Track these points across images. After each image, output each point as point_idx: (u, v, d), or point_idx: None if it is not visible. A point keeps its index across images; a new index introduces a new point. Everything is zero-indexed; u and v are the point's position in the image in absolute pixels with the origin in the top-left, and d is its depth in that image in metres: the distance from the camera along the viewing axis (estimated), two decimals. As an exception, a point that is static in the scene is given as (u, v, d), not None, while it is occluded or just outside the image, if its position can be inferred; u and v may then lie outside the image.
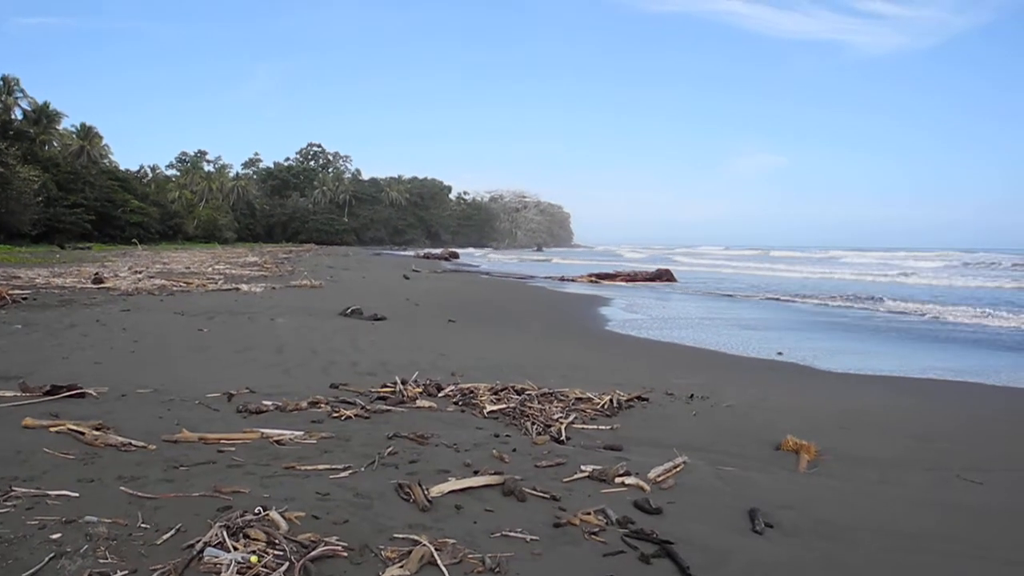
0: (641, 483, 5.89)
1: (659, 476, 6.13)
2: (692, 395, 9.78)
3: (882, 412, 9.65)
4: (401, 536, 4.55)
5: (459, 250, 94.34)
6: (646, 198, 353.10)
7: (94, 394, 8.11)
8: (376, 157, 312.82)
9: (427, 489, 5.31)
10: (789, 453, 7.33)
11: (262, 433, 6.73)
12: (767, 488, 6.23)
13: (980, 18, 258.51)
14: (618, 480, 5.93)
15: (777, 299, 30.42)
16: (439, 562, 4.20)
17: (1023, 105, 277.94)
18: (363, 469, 5.88)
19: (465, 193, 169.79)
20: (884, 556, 5.00)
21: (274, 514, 4.60)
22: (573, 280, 40.19)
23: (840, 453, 7.46)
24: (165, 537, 4.32)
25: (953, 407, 10.25)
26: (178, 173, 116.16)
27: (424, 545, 4.35)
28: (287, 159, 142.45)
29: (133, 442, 6.22)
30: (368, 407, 8.03)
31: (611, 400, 8.82)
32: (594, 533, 4.90)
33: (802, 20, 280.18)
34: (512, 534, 4.76)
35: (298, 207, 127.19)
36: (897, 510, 5.96)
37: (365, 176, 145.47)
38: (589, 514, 5.16)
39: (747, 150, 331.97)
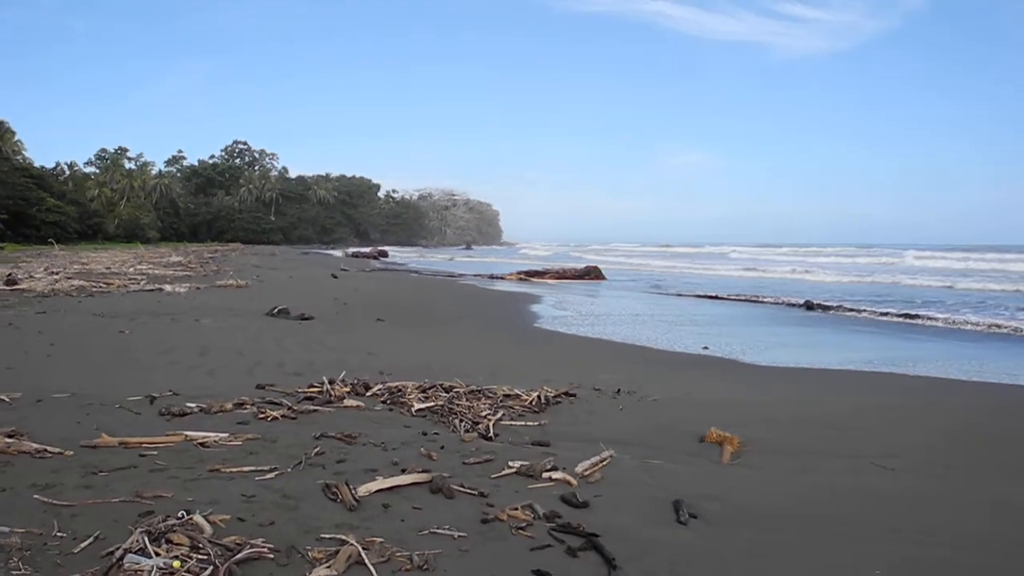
0: (568, 478, 5.96)
1: (586, 470, 6.20)
2: (619, 390, 9.91)
3: (802, 403, 9.91)
4: (328, 536, 4.53)
5: (388, 248, 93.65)
6: (577, 196, 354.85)
7: (6, 400, 7.86)
8: (304, 155, 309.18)
9: (354, 488, 5.29)
10: (713, 445, 7.48)
11: (186, 436, 6.61)
12: (691, 479, 6.36)
13: (890, 24, 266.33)
14: (545, 475, 5.98)
15: (703, 295, 30.95)
16: (367, 561, 4.20)
17: (933, 105, 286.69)
18: (290, 470, 5.82)
19: (394, 191, 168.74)
20: (803, 542, 5.16)
21: (198, 518, 4.53)
22: (502, 278, 40.27)
23: (762, 444, 7.65)
24: (83, 545, 4.22)
25: (868, 397, 10.57)
26: (98, 171, 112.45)
27: (351, 544, 4.34)
28: (212, 157, 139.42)
29: (48, 448, 6.04)
30: (295, 407, 7.95)
31: (539, 396, 8.88)
32: (522, 528, 4.95)
33: (728, 21, 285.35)
34: (440, 531, 4.78)
35: (223, 206, 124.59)
36: (815, 497, 6.14)
37: (292, 174, 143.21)
38: (517, 509, 5.20)
39: (677, 149, 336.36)
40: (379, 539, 4.53)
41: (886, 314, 22.95)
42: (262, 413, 7.62)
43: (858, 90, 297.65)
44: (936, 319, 21.60)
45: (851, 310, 24.31)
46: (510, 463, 6.22)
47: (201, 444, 6.46)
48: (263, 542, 4.33)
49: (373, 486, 5.41)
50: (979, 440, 8.30)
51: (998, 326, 20.12)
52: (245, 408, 7.87)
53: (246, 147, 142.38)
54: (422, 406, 8.25)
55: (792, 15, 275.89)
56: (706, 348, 15.27)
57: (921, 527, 5.55)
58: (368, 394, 8.86)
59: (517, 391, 9.08)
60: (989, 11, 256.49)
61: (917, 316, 22.22)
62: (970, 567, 4.91)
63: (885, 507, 5.97)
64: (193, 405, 7.85)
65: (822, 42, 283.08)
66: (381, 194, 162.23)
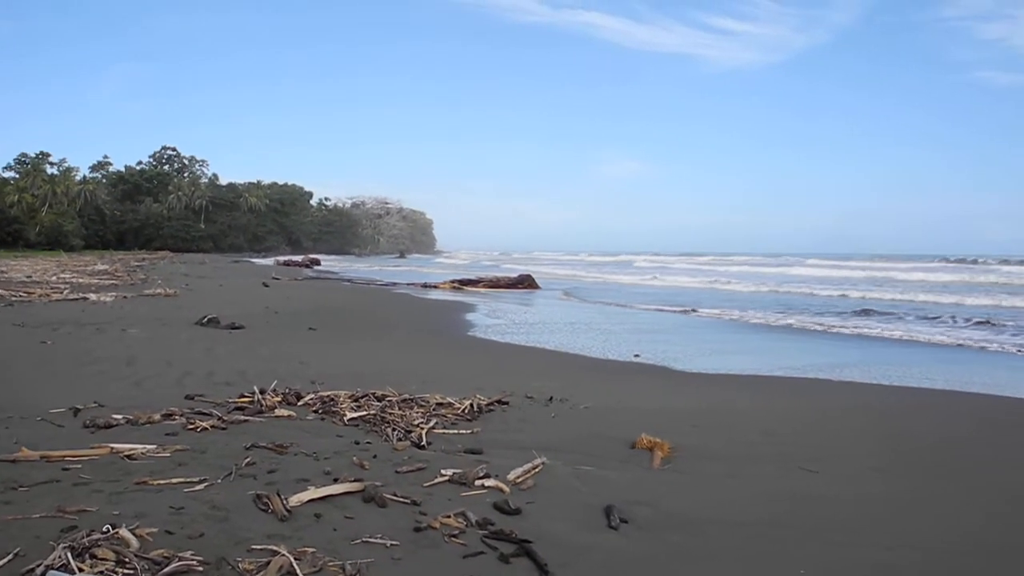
0: (501, 485, 6.00)
1: (518, 477, 6.25)
2: (551, 398, 9.99)
3: (731, 409, 10.11)
4: (259, 547, 4.48)
5: (321, 257, 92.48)
6: (512, 204, 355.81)
7: (-78, 414, 7.59)
8: (234, 162, 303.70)
9: (286, 499, 5.25)
10: (644, 451, 7.59)
11: (111, 448, 6.46)
12: (622, 485, 6.45)
13: (818, 39, 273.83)
14: (478, 483, 6.01)
15: (634, 305, 31.34)
16: (298, 571, 4.17)
17: (861, 116, 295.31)
18: (220, 481, 5.73)
19: (327, 199, 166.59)
20: (730, 545, 5.28)
21: (124, 531, 4.44)
22: (436, 287, 40.20)
23: (692, 450, 7.78)
24: (2, 563, 4.10)
25: (795, 403, 10.83)
26: (17, 175, 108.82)
27: (283, 555, 4.30)
28: (140, 163, 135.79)
29: (-34, 463, 5.86)
30: (225, 418, 7.83)
31: (472, 404, 8.91)
32: (454, 535, 4.97)
33: (659, 33, 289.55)
34: (373, 540, 4.77)
35: (151, 213, 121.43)
36: (743, 501, 6.28)
37: (223, 181, 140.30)
38: (449, 517, 5.22)
39: (611, 158, 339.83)
40: (311, 549, 4.50)
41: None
42: (191, 424, 7.50)
43: (788, 102, 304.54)
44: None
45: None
46: (443, 471, 6.23)
47: (128, 456, 6.32)
48: (192, 555, 4.27)
49: (305, 496, 5.37)
50: (899, 442, 8.56)
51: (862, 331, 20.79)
52: (174, 419, 7.73)
53: (175, 153, 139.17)
54: (354, 415, 8.21)
55: (721, 28, 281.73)
56: (637, 356, 15.47)
57: (845, 528, 5.73)
58: (300, 404, 8.77)
59: (450, 399, 9.09)
60: (913, 28, 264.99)
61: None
62: (891, 565, 5.08)
63: (810, 510, 6.14)
64: (119, 417, 7.67)
65: (752, 55, 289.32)
66: (314, 202, 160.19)
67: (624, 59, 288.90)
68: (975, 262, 73.04)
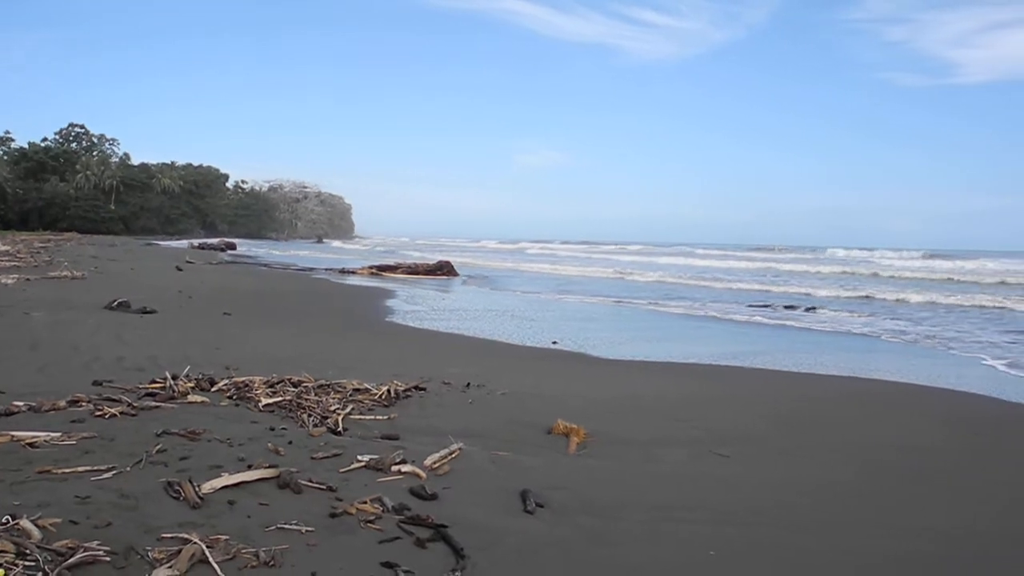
0: (417, 470, 6.00)
1: (435, 463, 6.26)
2: (469, 384, 10.02)
3: (646, 395, 10.29)
4: (170, 535, 4.39)
5: (237, 241, 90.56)
6: (432, 191, 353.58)
7: None
8: (147, 142, 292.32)
9: (198, 486, 5.15)
10: (560, 436, 7.68)
11: (12, 436, 6.23)
12: (538, 470, 6.52)
13: (736, 34, 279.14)
14: (395, 468, 6.01)
15: (555, 293, 31.61)
16: (211, 559, 4.10)
17: (774, 111, 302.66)
18: (129, 469, 5.58)
19: (243, 182, 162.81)
20: (643, 528, 5.40)
21: (25, 522, 4.29)
22: (354, 272, 39.81)
23: (607, 435, 7.90)
24: None
25: (708, 389, 11.08)
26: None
27: (195, 543, 4.22)
28: (44, 140, 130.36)
29: None
30: (135, 404, 7.62)
31: (389, 390, 8.87)
32: (370, 521, 4.96)
33: (580, 23, 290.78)
34: (288, 526, 4.72)
35: (58, 192, 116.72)
36: (656, 485, 6.42)
37: (135, 161, 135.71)
38: (366, 503, 5.20)
39: (531, 147, 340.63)
40: (224, 536, 4.44)
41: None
42: (99, 410, 7.26)
43: (706, 96, 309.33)
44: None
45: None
46: (359, 457, 6.21)
47: (29, 444, 6.09)
48: (98, 545, 4.15)
49: (218, 483, 5.28)
50: (810, 427, 8.85)
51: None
52: (80, 406, 7.47)
53: (83, 131, 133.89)
54: (270, 401, 8.09)
55: (642, 20, 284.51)
56: (555, 343, 15.61)
57: (753, 509, 5.91)
58: (214, 389, 8.60)
59: (367, 385, 9.03)
60: (823, 27, 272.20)
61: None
62: (793, 544, 5.27)
63: (720, 492, 6.32)
64: (21, 403, 7.37)
65: (671, 48, 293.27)
66: (230, 184, 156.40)
67: (545, 48, 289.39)
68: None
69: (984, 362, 14.94)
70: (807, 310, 24.62)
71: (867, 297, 30.46)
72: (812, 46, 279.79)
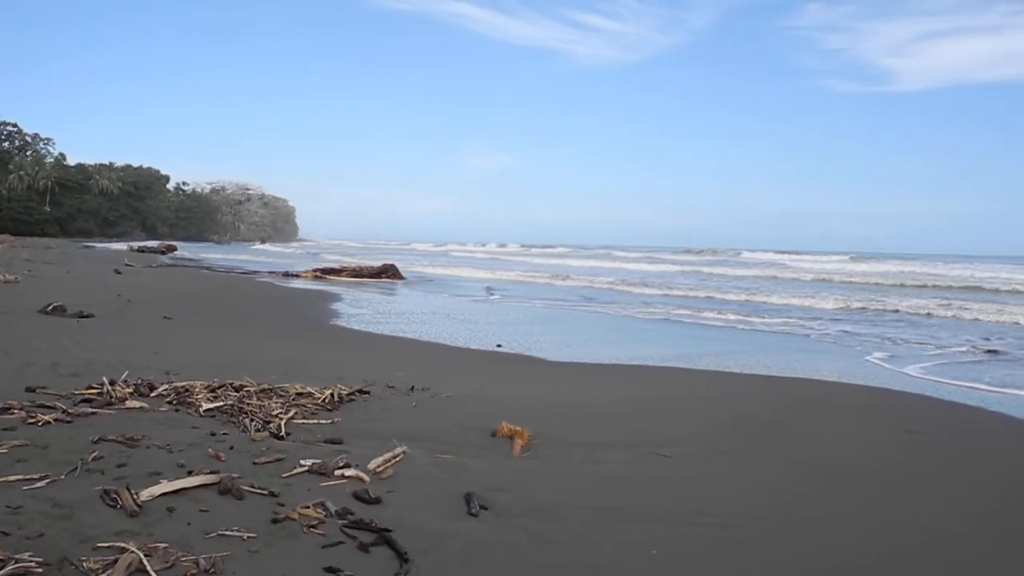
0: (361, 475, 5.98)
1: (379, 467, 6.24)
2: (413, 387, 9.99)
3: (591, 397, 10.37)
4: (107, 545, 4.31)
5: (178, 244, 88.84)
6: (378, 194, 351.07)
7: None
8: (84, 142, 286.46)
9: (136, 493, 5.06)
10: (504, 439, 7.69)
11: (-58, 444, 6.06)
12: (483, 473, 6.54)
13: (681, 40, 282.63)
14: (338, 473, 5.97)
15: (489, 297, 31.67)
16: (148, 568, 4.04)
17: (719, 115, 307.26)
18: (63, 477, 5.47)
19: (184, 184, 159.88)
20: (587, 529, 5.45)
21: (-44, 532, 4.19)
22: (297, 275, 39.40)
23: (551, 437, 7.94)
24: None
25: (651, 390, 11.20)
26: None
27: (132, 552, 4.15)
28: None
29: None
30: (70, 411, 7.44)
31: (332, 394, 8.81)
32: (313, 526, 4.93)
33: (527, 27, 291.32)
34: (229, 533, 4.68)
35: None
36: (599, 486, 6.48)
37: (71, 161, 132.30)
38: (308, 508, 5.17)
39: (480, 150, 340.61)
40: (163, 544, 4.37)
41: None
42: (32, 417, 7.08)
43: (652, 100, 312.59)
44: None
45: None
46: (302, 462, 6.16)
47: (-40, 453, 5.95)
48: (31, 556, 4.06)
49: (157, 490, 5.20)
50: (749, 427, 8.97)
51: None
52: (12, 413, 7.27)
53: (16, 130, 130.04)
54: (211, 406, 7.98)
55: (588, 24, 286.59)
56: (500, 346, 15.64)
57: (693, 508, 5.99)
58: (153, 395, 8.46)
59: (310, 389, 8.96)
60: (766, 34, 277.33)
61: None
62: (734, 543, 5.36)
63: (663, 492, 6.40)
64: (-50, 411, 7.19)
65: (617, 52, 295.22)
66: (170, 186, 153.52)
67: (492, 51, 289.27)
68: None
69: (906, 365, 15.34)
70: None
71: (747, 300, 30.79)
72: (755, 53, 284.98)
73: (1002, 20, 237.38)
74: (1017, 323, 22.33)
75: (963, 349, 17.41)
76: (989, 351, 17.18)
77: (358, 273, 40.52)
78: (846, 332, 20.45)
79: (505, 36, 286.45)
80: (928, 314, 24.91)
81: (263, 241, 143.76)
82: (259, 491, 5.46)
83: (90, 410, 7.59)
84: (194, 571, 4.13)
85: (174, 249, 73.29)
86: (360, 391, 9.32)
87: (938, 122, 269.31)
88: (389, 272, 40.60)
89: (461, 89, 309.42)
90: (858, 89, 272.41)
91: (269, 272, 41.92)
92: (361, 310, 22.92)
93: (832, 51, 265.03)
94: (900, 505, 6.48)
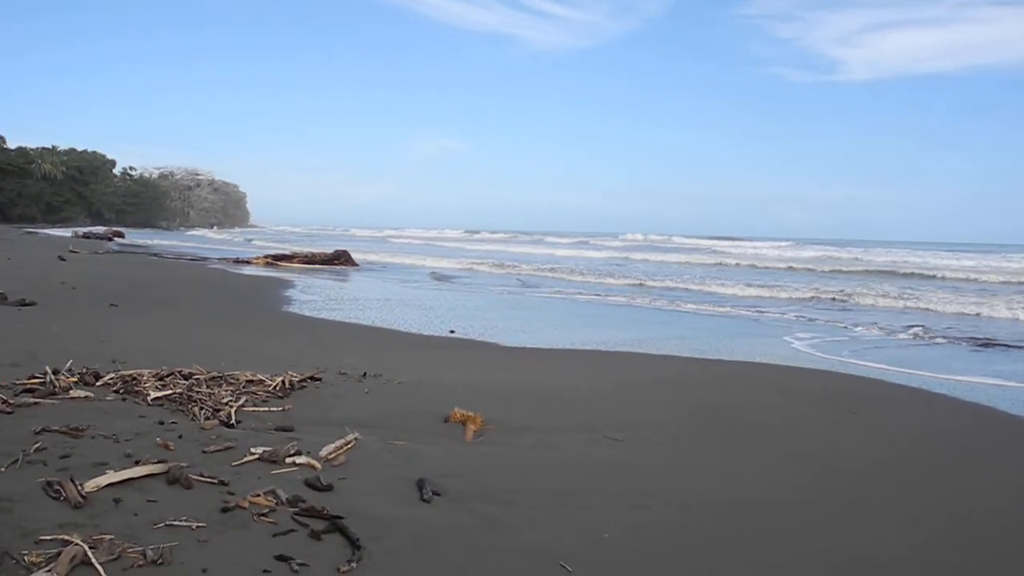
0: (312, 462, 5.94)
1: (330, 454, 6.21)
2: (365, 373, 9.94)
3: (544, 382, 10.40)
4: (49, 538, 4.22)
5: (126, 230, 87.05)
6: (329, 179, 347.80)
7: None
8: (25, 125, 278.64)
9: (81, 484, 4.97)
10: (457, 425, 7.70)
11: None
12: (435, 459, 6.53)
13: (632, 26, 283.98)
14: (289, 460, 5.93)
15: (441, 282, 31.63)
16: (94, 560, 3.97)
17: (671, 102, 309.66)
18: (4, 469, 5.34)
19: (132, 169, 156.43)
20: (538, 512, 5.48)
21: None
22: (249, 262, 38.89)
23: (504, 422, 7.95)
24: None
25: (604, 375, 11.27)
26: None
27: (77, 544, 4.08)
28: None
29: None
30: (11, 401, 7.26)
31: (284, 381, 8.72)
32: (264, 514, 4.88)
33: (480, 12, 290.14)
34: (177, 523, 4.61)
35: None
36: (552, 470, 6.52)
37: (12, 145, 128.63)
38: (259, 496, 5.12)
39: (427, 134, 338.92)
40: (109, 536, 4.29)
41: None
42: (-30, 409, 6.92)
43: (603, 87, 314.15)
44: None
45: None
46: (252, 449, 6.10)
47: None
48: (-30, 550, 3.98)
49: (103, 480, 5.11)
50: (701, 411, 9.08)
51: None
52: (-50, 405, 7.10)
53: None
54: (159, 394, 7.85)
55: (541, 10, 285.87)
56: (453, 331, 15.62)
57: (644, 491, 6.06)
58: (99, 384, 8.29)
59: (261, 376, 8.86)
60: (718, 22, 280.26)
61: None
62: (683, 524, 5.44)
63: (615, 476, 6.45)
64: None
65: (569, 38, 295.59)
66: (117, 171, 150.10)
67: (444, 36, 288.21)
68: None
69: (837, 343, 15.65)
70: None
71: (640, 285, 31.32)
72: (707, 40, 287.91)
73: (947, 13, 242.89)
74: (979, 314, 22.64)
75: (907, 336, 17.80)
76: (944, 338, 17.56)
77: (310, 260, 40.13)
78: (794, 317, 20.85)
79: (457, 20, 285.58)
80: (872, 304, 25.24)
81: (213, 227, 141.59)
82: (208, 480, 5.40)
83: (32, 400, 7.42)
84: (141, 562, 4.07)
85: (121, 235, 71.97)
86: (312, 378, 9.25)
87: (883, 112, 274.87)
88: (342, 259, 40.29)
89: (411, 74, 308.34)
90: (807, 78, 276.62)
91: (220, 259, 41.36)
92: (313, 296, 22.72)
93: (782, 40, 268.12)
94: (851, 484, 6.63)
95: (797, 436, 8.20)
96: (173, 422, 6.96)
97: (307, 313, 18.36)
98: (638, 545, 5.05)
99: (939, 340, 16.87)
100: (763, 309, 22.64)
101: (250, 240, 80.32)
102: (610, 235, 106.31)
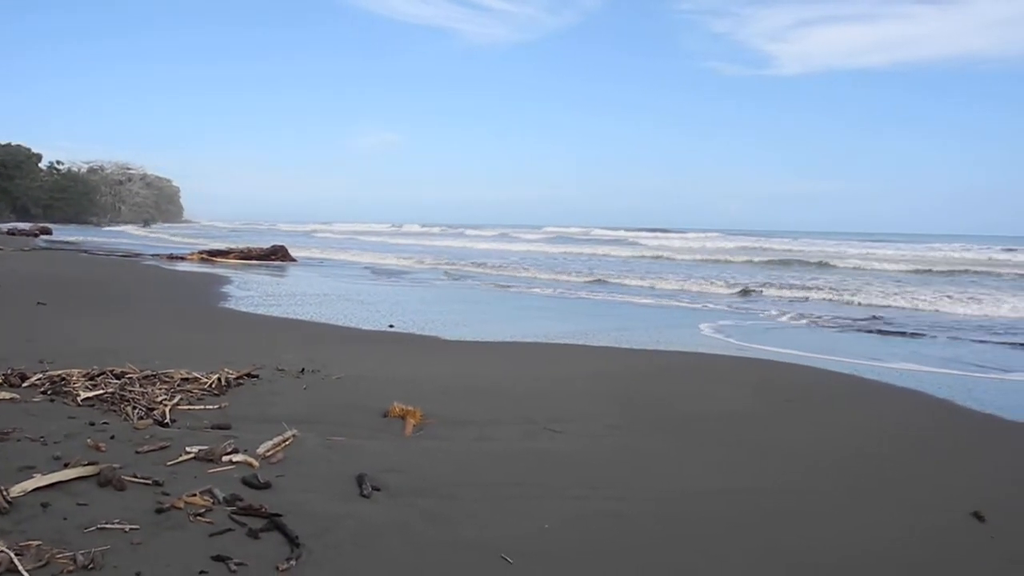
0: (250, 459, 5.86)
1: (268, 451, 6.13)
2: (303, 369, 9.84)
3: (483, 375, 10.42)
4: (-26, 545, 4.10)
5: (53, 226, 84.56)
6: (265, 175, 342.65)
7: None
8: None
9: (6, 489, 4.82)
10: (396, 419, 7.67)
11: None
12: (375, 454, 6.49)
13: (570, 20, 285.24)
14: (226, 458, 5.84)
15: (378, 277, 31.45)
16: (20, 568, 3.85)
17: (609, 95, 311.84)
18: (-76, 476, 5.17)
19: (59, 163, 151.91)
20: (479, 505, 5.49)
21: None
22: (183, 258, 38.16)
23: (444, 416, 7.95)
24: None
25: (542, 367, 11.33)
26: None
27: (2, 551, 3.96)
28: None
29: None
30: (-68, 405, 7.04)
31: (220, 379, 8.59)
32: (200, 514, 4.80)
33: (417, 5, 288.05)
34: (109, 526, 4.50)
35: None
36: (492, 463, 6.53)
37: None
38: (195, 495, 5.03)
39: (367, 129, 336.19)
40: (36, 542, 4.17)
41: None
42: None
43: (542, 80, 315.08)
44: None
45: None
46: (188, 448, 5.99)
47: None
48: None
49: (29, 485, 4.96)
50: (639, 401, 9.19)
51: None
52: None
53: None
54: (90, 394, 7.66)
55: (479, 3, 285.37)
56: (392, 326, 15.55)
57: (583, 482, 6.10)
58: (25, 385, 8.05)
59: (196, 374, 8.71)
60: (654, 16, 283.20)
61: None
62: (621, 513, 5.49)
63: (555, 467, 6.48)
64: None
65: (507, 32, 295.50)
66: (43, 165, 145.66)
67: (381, 29, 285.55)
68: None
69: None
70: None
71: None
72: (643, 34, 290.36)
73: (872, 9, 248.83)
74: (920, 307, 23.07)
75: (824, 322, 18.26)
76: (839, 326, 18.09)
77: (246, 255, 39.47)
78: (726, 308, 21.26)
79: (394, 14, 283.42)
80: (778, 296, 25.80)
81: (146, 223, 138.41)
82: (142, 481, 5.29)
83: (-45, 403, 7.19)
84: (71, 568, 3.97)
85: (49, 231, 69.92)
86: (248, 375, 9.12)
87: (813, 105, 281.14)
88: (279, 254, 39.77)
89: (349, 67, 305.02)
90: (742, 71, 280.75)
91: (153, 255, 40.45)
92: (250, 292, 22.40)
93: (717, 35, 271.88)
94: (790, 471, 6.77)
95: (733, 425, 8.34)
96: (105, 423, 6.79)
97: (244, 309, 18.09)
98: (579, 537, 5.08)
99: (847, 327, 17.37)
100: (680, 301, 23.27)
101: (224, 235, 78.82)
102: (533, 227, 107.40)
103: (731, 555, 4.97)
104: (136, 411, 7.18)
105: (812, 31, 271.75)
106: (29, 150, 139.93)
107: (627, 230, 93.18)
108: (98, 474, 5.24)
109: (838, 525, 5.58)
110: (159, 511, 4.81)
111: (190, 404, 7.74)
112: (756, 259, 46.34)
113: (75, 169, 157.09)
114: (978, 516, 5.73)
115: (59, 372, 8.46)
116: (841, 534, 5.41)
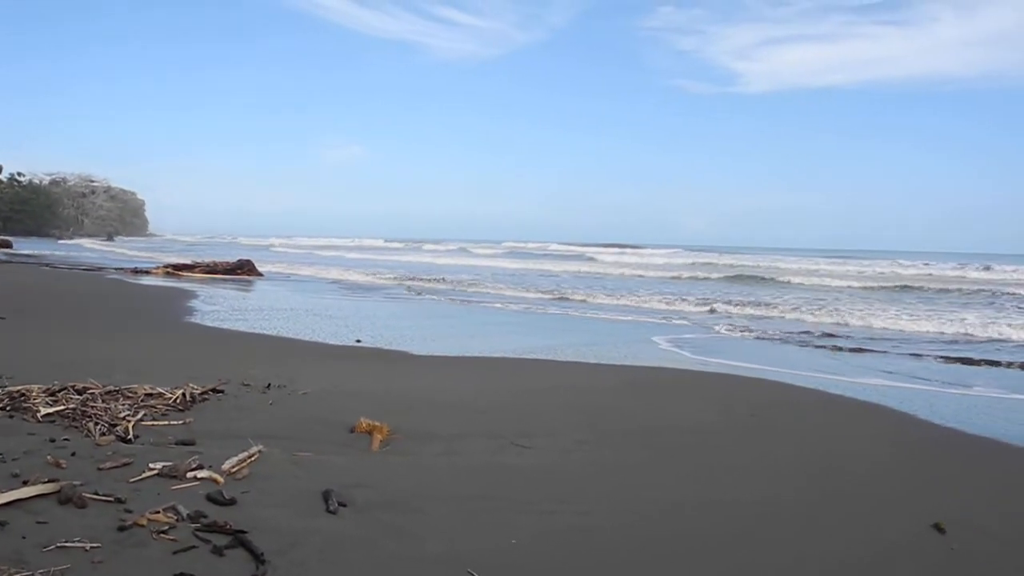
0: (215, 476, 5.80)
1: (233, 467, 6.07)
2: (269, 384, 9.76)
3: (451, 390, 10.40)
4: (-69, 565, 4.03)
5: (13, 239, 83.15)
6: (231, 189, 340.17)
7: None
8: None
9: (-36, 508, 4.74)
10: (363, 435, 7.63)
11: None
12: (342, 469, 6.46)
13: (538, 36, 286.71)
14: (190, 475, 5.77)
15: (345, 292, 31.32)
16: (-21, 586, 3.80)
17: (576, 111, 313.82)
18: None
19: (20, 174, 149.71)
20: (445, 520, 5.47)
21: None
22: (148, 272, 37.71)
23: (411, 431, 7.92)
24: None
25: (510, 382, 11.34)
26: None
27: (-40, 570, 3.90)
28: None
29: None
30: None
31: (184, 394, 8.50)
32: (163, 532, 4.74)
33: (384, 19, 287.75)
34: (70, 544, 4.44)
35: None
36: (459, 478, 6.52)
37: None
38: (158, 513, 4.97)
39: (335, 142, 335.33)
40: (-6, 562, 4.12)
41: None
42: None
43: (509, 95, 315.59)
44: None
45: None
46: (151, 465, 5.92)
47: None
48: None
49: (-13, 502, 4.88)
50: (606, 416, 9.22)
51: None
52: None
53: None
54: (50, 410, 7.53)
55: (446, 18, 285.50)
56: (359, 341, 15.47)
57: (552, 497, 6.11)
58: (-17, 401, 7.91)
59: (160, 390, 8.61)
60: (622, 33, 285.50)
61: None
62: (588, 527, 5.51)
63: (522, 482, 6.49)
64: None
65: (475, 47, 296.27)
66: (4, 177, 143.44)
67: (348, 43, 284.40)
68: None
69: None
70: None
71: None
72: (611, 51, 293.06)
73: (836, 29, 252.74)
74: (883, 324, 23.38)
75: (784, 338, 18.48)
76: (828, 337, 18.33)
77: (212, 269, 39.07)
78: (690, 323, 21.43)
79: (362, 27, 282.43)
80: (766, 314, 26.13)
81: (110, 237, 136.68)
82: (104, 498, 5.21)
83: (-88, 420, 7.04)
84: (31, 586, 3.91)
85: (9, 244, 68.84)
86: (214, 390, 9.04)
87: (778, 123, 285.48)
88: (245, 268, 39.42)
89: (315, 81, 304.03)
90: (708, 89, 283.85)
91: (117, 269, 39.95)
92: (215, 306, 22.19)
93: (683, 52, 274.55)
94: (756, 486, 6.83)
95: (700, 440, 8.40)
96: (66, 439, 6.69)
97: (210, 323, 17.92)
98: (546, 551, 5.08)
99: (806, 343, 17.59)
100: (644, 316, 23.58)
101: (189, 249, 78.08)
102: (492, 242, 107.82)
103: (700, 569, 5.00)
104: (98, 427, 7.07)
105: (778, 50, 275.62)
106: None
107: (584, 245, 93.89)
108: (58, 491, 5.17)
109: (802, 537, 5.63)
110: (121, 529, 4.74)
111: (154, 420, 7.64)
112: (714, 276, 47.35)
113: (37, 181, 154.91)
114: (939, 528, 5.82)
115: (18, 387, 8.30)
116: (804, 547, 5.46)
